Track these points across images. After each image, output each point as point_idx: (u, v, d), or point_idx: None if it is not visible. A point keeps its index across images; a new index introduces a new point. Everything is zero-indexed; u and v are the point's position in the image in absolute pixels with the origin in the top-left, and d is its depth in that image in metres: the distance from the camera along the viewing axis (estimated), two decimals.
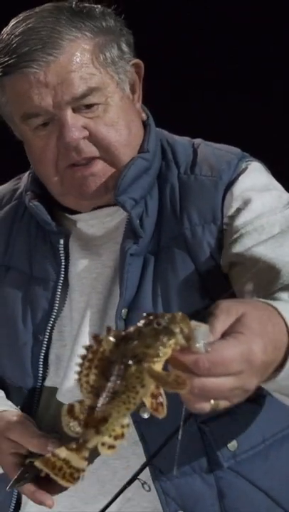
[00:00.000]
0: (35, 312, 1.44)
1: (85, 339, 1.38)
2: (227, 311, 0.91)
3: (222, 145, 1.49)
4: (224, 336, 0.89)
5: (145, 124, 1.46)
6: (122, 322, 1.34)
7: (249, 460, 1.36)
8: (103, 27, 1.37)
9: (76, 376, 0.89)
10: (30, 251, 1.48)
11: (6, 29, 1.37)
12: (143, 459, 1.33)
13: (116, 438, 0.90)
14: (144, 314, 0.88)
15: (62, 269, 1.43)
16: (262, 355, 0.89)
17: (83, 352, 0.88)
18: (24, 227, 1.51)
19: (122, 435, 0.90)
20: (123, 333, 0.88)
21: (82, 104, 1.34)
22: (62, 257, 1.43)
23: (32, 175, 1.50)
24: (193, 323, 0.88)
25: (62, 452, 0.90)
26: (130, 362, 0.87)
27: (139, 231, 1.38)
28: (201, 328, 0.87)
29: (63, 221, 1.49)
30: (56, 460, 0.90)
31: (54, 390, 1.41)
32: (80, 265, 1.44)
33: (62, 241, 1.44)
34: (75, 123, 1.34)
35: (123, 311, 1.34)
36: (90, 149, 1.36)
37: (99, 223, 1.45)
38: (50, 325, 1.42)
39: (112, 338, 0.88)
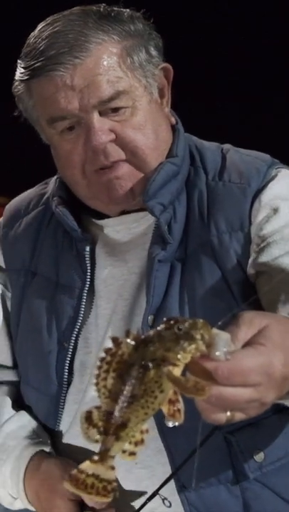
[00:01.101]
0: (61, 319, 1.42)
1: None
2: (250, 322, 0.90)
3: (251, 151, 1.47)
4: (245, 346, 0.88)
5: (174, 129, 1.44)
6: (148, 329, 1.31)
7: (275, 472, 1.34)
8: (131, 30, 1.36)
9: (94, 380, 0.88)
10: (57, 257, 1.47)
11: (34, 33, 1.36)
12: (168, 468, 1.31)
13: (136, 444, 0.89)
14: (165, 319, 0.87)
15: (88, 277, 1.42)
16: (282, 368, 0.88)
17: (102, 355, 0.87)
18: (51, 233, 1.50)
19: (142, 441, 0.89)
20: (143, 336, 0.87)
21: (109, 108, 1.33)
22: (88, 265, 1.42)
23: (59, 180, 1.49)
24: (215, 330, 0.87)
25: (89, 467, 0.89)
26: (149, 365, 0.86)
27: (168, 237, 1.36)
28: (222, 336, 0.86)
29: (90, 226, 1.47)
30: (85, 477, 0.88)
31: (78, 398, 1.39)
32: (107, 272, 1.43)
33: (88, 248, 1.43)
34: (101, 126, 1.33)
35: (149, 317, 1.33)
36: (117, 153, 1.35)
37: (125, 229, 1.44)
38: (75, 332, 1.40)
39: (131, 341, 0.87)
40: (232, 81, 3.11)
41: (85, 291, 1.42)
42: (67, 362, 1.40)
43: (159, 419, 1.27)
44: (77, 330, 1.41)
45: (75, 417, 1.40)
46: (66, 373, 1.40)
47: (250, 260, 1.32)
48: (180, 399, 0.86)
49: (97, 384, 0.88)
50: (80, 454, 1.36)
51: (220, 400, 0.85)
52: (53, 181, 1.54)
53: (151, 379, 0.86)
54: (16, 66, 1.38)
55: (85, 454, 0.98)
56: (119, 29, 1.34)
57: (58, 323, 1.42)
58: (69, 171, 1.40)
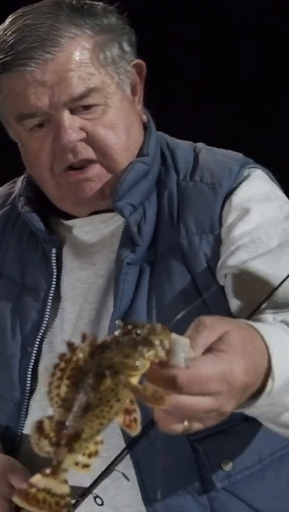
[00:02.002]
0: (25, 323, 1.38)
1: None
2: (210, 328, 0.87)
3: (225, 150, 1.43)
4: (205, 352, 0.85)
5: (146, 127, 1.41)
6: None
7: (244, 481, 1.31)
8: (104, 25, 1.32)
9: (46, 388, 0.83)
10: (23, 259, 1.43)
11: (3, 25, 1.32)
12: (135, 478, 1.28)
13: (90, 456, 0.84)
14: (122, 323, 0.83)
15: (54, 279, 1.38)
16: (243, 376, 0.86)
17: (56, 361, 0.83)
18: (17, 234, 1.46)
19: (97, 453, 0.84)
20: (99, 341, 0.83)
21: (80, 105, 1.29)
22: (54, 267, 1.38)
23: (26, 179, 1.45)
24: (174, 336, 0.83)
25: (40, 481, 0.84)
26: (106, 373, 0.82)
27: (137, 239, 1.32)
28: (181, 342, 0.83)
29: (58, 228, 1.43)
30: (36, 492, 0.83)
31: (43, 405, 1.35)
32: (73, 275, 1.39)
33: (54, 250, 1.39)
34: (72, 124, 1.29)
35: (117, 322, 1.28)
36: (86, 151, 1.31)
37: (94, 230, 1.40)
38: (39, 336, 1.36)
39: (87, 347, 0.83)
40: (205, 78, 3.07)
41: (51, 295, 1.38)
42: (31, 367, 1.36)
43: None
44: (41, 334, 1.36)
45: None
46: (29, 379, 1.36)
47: (220, 263, 1.29)
48: (137, 408, 0.82)
49: (49, 392, 0.83)
50: (44, 461, 1.32)
51: (178, 410, 0.82)
52: (20, 180, 1.49)
53: (108, 387, 0.82)
54: None
55: (49, 461, 0.96)
56: (92, 23, 1.30)
57: (22, 327, 1.38)
58: (37, 170, 1.36)
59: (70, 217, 1.41)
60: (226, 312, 1.25)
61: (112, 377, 0.81)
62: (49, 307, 1.37)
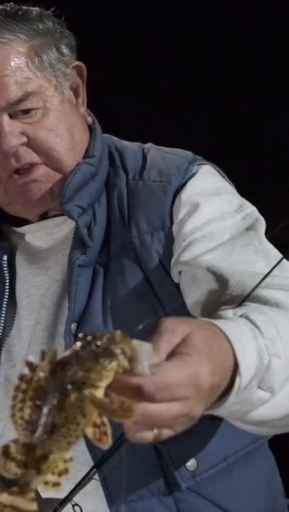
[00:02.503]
0: None
1: (35, 358, 1.30)
2: (172, 330, 0.83)
3: (174, 149, 1.42)
4: (169, 356, 0.82)
5: (91, 129, 1.40)
6: (71, 338, 1.27)
7: (210, 480, 1.28)
8: (39, 29, 1.31)
9: (9, 411, 0.80)
10: None
11: None
12: (98, 483, 1.26)
13: (60, 474, 0.81)
14: (81, 335, 0.80)
15: (7, 287, 1.37)
16: (210, 378, 0.82)
17: (16, 382, 0.80)
18: None
19: (66, 471, 0.81)
20: (59, 357, 0.80)
21: (18, 110, 1.28)
22: (7, 274, 1.37)
23: None
24: (135, 342, 0.79)
25: (7, 499, 0.81)
26: (69, 390, 0.78)
27: (87, 240, 1.31)
28: (144, 348, 0.79)
29: (10, 235, 1.42)
30: (2, 509, 0.81)
31: (4, 415, 1.33)
32: (28, 281, 1.38)
33: (5, 257, 1.37)
34: (12, 129, 1.28)
35: (72, 325, 1.27)
36: (29, 155, 1.30)
37: (46, 235, 1.39)
38: None
39: (47, 364, 0.79)
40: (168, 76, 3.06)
41: (4, 303, 1.36)
42: None
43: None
44: None
45: (1, 436, 1.34)
46: None
47: (173, 260, 1.27)
48: (106, 421, 0.79)
49: (13, 416, 0.79)
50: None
51: (146, 418, 0.78)
52: None
53: (72, 404, 0.78)
54: None
55: None
56: (26, 28, 1.30)
57: None
58: None
59: (22, 224, 1.40)
60: (182, 310, 1.23)
61: (76, 394, 0.78)
62: (3, 316, 1.35)
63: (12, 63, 1.27)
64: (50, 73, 1.31)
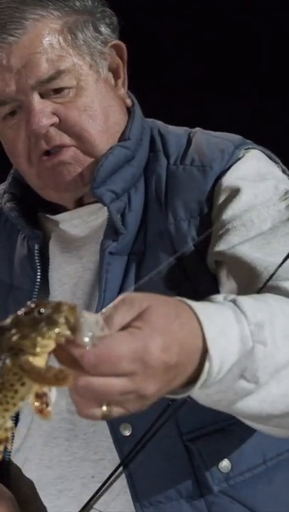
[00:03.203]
0: None
1: None
2: (130, 304, 0.80)
3: (222, 133, 1.35)
4: (121, 330, 0.78)
5: (130, 111, 1.33)
6: None
7: (247, 484, 1.21)
8: (76, 6, 1.26)
9: None
10: (10, 258, 1.37)
11: None
12: (125, 482, 1.19)
13: (0, 442, 0.79)
14: (29, 303, 0.78)
15: (39, 277, 1.31)
16: (161, 354, 0.78)
17: None
18: (5, 233, 1.40)
19: (7, 439, 0.79)
20: (0, 323, 0.78)
21: (50, 89, 1.23)
22: (38, 263, 1.32)
23: (12, 175, 1.39)
24: (83, 313, 0.77)
25: None
26: (5, 355, 0.76)
27: (120, 227, 1.25)
28: (89, 319, 0.77)
29: (46, 223, 1.37)
30: None
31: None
32: (61, 270, 1.32)
33: (37, 246, 1.32)
34: (42, 109, 1.23)
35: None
36: (60, 137, 1.25)
37: (82, 223, 1.33)
38: None
39: None
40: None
41: (35, 293, 1.30)
42: None
43: (113, 427, 1.18)
44: None
45: (29, 429, 1.29)
46: None
47: (210, 248, 1.20)
48: (48, 392, 0.77)
49: None
50: (29, 485, 1.27)
51: (89, 391, 0.75)
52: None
53: (9, 371, 0.76)
54: None
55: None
56: (60, 4, 1.25)
57: None
58: (16, 160, 1.31)
59: (58, 211, 1.35)
60: None
61: (13, 360, 0.76)
62: None
63: (44, 40, 1.22)
64: (85, 51, 1.25)
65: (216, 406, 0.94)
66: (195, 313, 0.84)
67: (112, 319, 0.79)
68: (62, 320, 0.76)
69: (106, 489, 1.09)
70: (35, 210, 1.37)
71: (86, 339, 0.76)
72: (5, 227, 1.40)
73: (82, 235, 1.33)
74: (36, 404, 0.76)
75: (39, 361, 0.76)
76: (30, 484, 1.26)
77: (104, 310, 0.81)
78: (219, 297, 0.92)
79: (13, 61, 1.21)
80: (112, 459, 1.20)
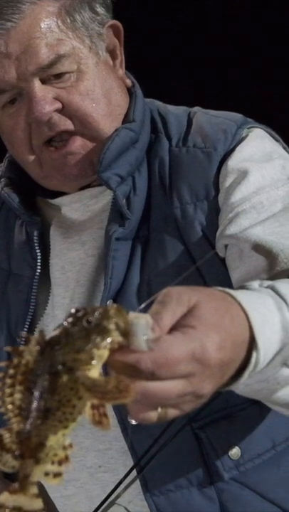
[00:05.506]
0: (12, 312, 1.30)
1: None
2: (177, 300, 0.76)
3: (222, 112, 1.32)
4: (173, 330, 0.74)
5: (130, 92, 1.31)
6: None
7: (256, 469, 1.20)
8: None
9: None
10: (8, 244, 1.35)
11: None
12: (134, 471, 1.18)
13: (60, 463, 0.76)
14: (72, 311, 0.74)
15: (39, 264, 1.29)
16: (218, 353, 0.75)
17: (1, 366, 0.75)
18: (3, 219, 1.37)
19: (67, 458, 0.76)
20: (47, 337, 0.74)
21: (51, 74, 1.20)
22: (38, 250, 1.29)
23: (8, 159, 1.36)
24: (132, 315, 0.73)
25: (8, 499, 0.76)
26: (59, 371, 0.73)
27: (126, 212, 1.22)
28: (140, 321, 0.73)
29: (46, 208, 1.34)
30: None
31: None
32: (63, 256, 1.30)
33: (36, 232, 1.29)
34: (44, 95, 1.20)
35: (108, 303, 1.19)
36: (64, 123, 1.22)
37: (83, 206, 1.30)
38: (26, 326, 1.27)
39: (34, 347, 0.74)
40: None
41: (35, 280, 1.28)
42: None
43: (121, 416, 1.16)
44: (28, 323, 1.27)
45: None
46: None
47: (218, 232, 1.18)
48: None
49: (3, 403, 0.75)
50: None
51: (147, 397, 0.72)
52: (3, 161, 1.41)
53: (65, 386, 0.73)
54: None
55: None
56: None
57: (9, 317, 1.30)
58: (16, 149, 1.28)
59: (57, 195, 1.32)
60: (227, 287, 1.14)
61: (68, 375, 0.73)
62: (34, 294, 1.28)
63: (42, 24, 1.19)
64: (84, 33, 1.22)
65: (256, 396, 0.92)
66: (240, 304, 0.81)
67: (162, 318, 0.75)
68: (113, 326, 0.72)
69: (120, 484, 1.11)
70: (32, 194, 1.34)
71: (142, 343, 0.72)
72: (1, 213, 1.38)
73: (83, 218, 1.30)
74: (93, 415, 0.73)
75: (94, 373, 0.73)
76: None
77: (142, 306, 0.79)
78: (254, 284, 0.90)
79: (12, 47, 1.18)
80: (120, 448, 1.20)
